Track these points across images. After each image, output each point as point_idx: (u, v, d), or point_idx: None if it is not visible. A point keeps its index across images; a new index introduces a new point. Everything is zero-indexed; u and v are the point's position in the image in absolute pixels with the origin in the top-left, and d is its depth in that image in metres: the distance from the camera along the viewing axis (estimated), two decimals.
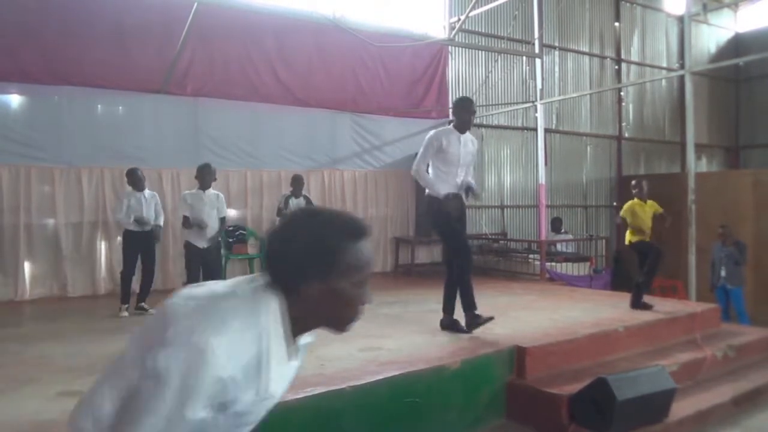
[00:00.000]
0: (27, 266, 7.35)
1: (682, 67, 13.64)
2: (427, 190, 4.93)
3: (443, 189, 4.75)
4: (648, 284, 6.09)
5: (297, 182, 7.91)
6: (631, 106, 14.17)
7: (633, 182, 6.39)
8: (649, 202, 6.24)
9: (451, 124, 5.01)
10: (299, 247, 1.32)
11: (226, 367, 1.23)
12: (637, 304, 5.95)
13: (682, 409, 4.27)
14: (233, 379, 1.25)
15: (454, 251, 4.95)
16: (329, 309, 1.38)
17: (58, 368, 4.08)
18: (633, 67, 14.10)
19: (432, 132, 4.93)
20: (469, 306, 4.86)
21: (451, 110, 5.10)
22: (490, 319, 4.82)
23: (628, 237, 6.23)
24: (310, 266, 1.31)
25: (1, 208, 7.18)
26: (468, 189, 4.95)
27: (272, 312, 1.32)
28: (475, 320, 4.82)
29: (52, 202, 7.46)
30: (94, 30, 7.52)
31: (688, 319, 5.74)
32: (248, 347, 1.28)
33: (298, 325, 1.38)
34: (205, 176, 5.48)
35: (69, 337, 5.11)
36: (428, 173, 4.88)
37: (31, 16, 7.17)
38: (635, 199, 6.23)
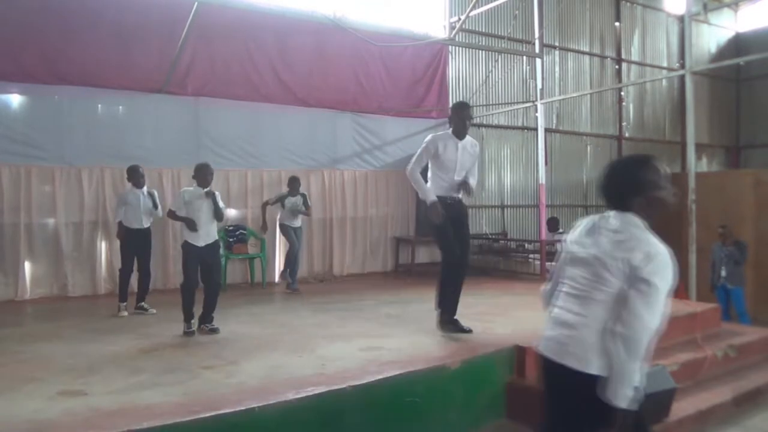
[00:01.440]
0: (27, 266, 7.36)
1: (682, 66, 13.64)
2: None
3: (433, 195, 4.72)
4: None
5: (293, 183, 7.99)
6: (631, 106, 14.17)
7: None
8: None
9: (450, 129, 4.95)
10: (622, 182, 2.22)
11: None
12: None
13: (682, 408, 4.27)
14: None
15: (443, 251, 4.95)
16: (654, 209, 2.20)
17: (58, 368, 4.08)
18: (633, 67, 14.10)
19: (430, 136, 4.89)
20: (440, 304, 4.88)
21: (448, 116, 5.04)
22: (469, 331, 4.82)
23: None
24: (631, 190, 2.17)
25: (2, 207, 7.18)
26: (463, 184, 4.85)
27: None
28: (450, 325, 4.83)
29: (53, 201, 7.46)
30: (94, 30, 7.52)
31: (689, 319, 5.73)
32: None
33: (649, 220, 2.20)
34: (205, 175, 5.44)
35: (69, 337, 5.11)
36: (426, 175, 4.87)
37: (32, 16, 7.17)
38: None
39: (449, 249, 4.81)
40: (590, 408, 2.08)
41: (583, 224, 2.33)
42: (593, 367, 2.09)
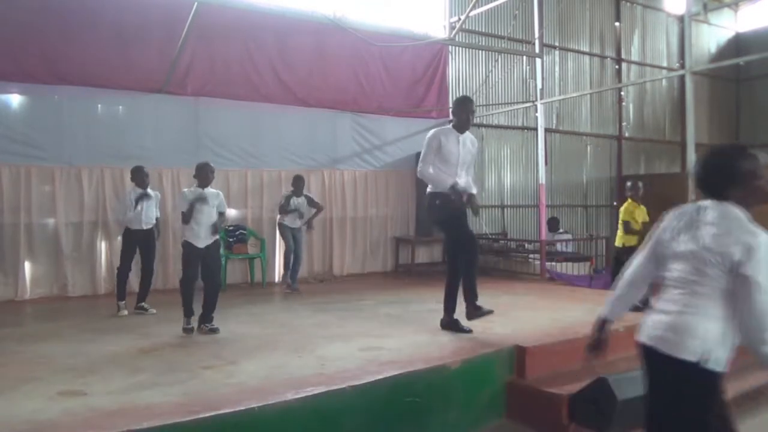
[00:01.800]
0: (27, 266, 7.36)
1: (682, 66, 13.64)
2: (428, 188, 4.94)
3: (449, 179, 4.76)
4: None
5: (298, 182, 7.97)
6: (631, 106, 14.17)
7: (628, 183, 6.34)
8: (642, 206, 6.18)
9: (451, 123, 5.01)
10: (720, 171, 2.17)
11: None
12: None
13: None
14: None
15: (461, 243, 4.95)
16: (754, 199, 2.16)
17: (58, 368, 4.08)
18: (633, 67, 14.10)
19: (431, 131, 4.94)
20: (472, 297, 4.87)
21: (450, 110, 5.09)
22: (490, 312, 4.83)
23: (621, 239, 6.17)
24: (729, 179, 2.14)
25: (2, 207, 7.18)
26: (469, 197, 4.95)
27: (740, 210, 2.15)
28: (476, 311, 4.83)
29: (53, 201, 7.46)
30: (94, 30, 7.52)
31: None
32: None
33: (748, 210, 2.17)
34: (206, 174, 5.44)
35: (69, 337, 5.11)
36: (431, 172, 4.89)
37: (32, 16, 7.16)
38: (630, 201, 6.18)
39: (469, 233, 4.92)
40: (683, 394, 2.14)
41: (677, 217, 2.29)
42: (685, 352, 2.11)
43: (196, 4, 7.22)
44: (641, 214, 6.14)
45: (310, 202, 8.02)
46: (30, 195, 7.33)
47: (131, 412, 3.11)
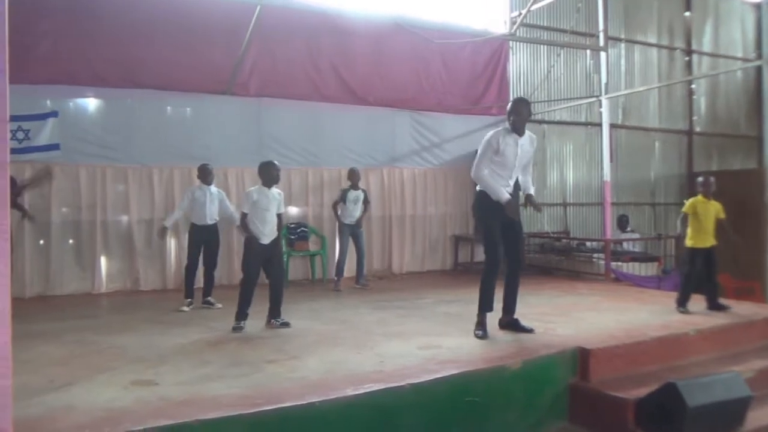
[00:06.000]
0: (103, 261, 7.75)
1: (759, 56, 12.94)
2: (478, 186, 4.88)
3: (505, 193, 4.70)
4: (713, 292, 5.83)
5: (353, 175, 7.98)
6: (702, 99, 13.53)
7: (699, 179, 6.04)
8: (713, 202, 5.87)
9: (508, 124, 4.88)
10: None
11: None
12: (713, 306, 5.73)
13: (758, 418, 4.06)
14: None
15: (486, 250, 4.93)
16: None
17: (131, 358, 4.27)
18: (705, 59, 13.46)
19: (489, 133, 4.85)
20: (483, 308, 4.86)
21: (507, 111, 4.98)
22: (482, 335, 4.74)
23: (688, 239, 5.91)
24: None
25: (80, 205, 7.60)
26: (527, 198, 4.96)
27: None
28: (479, 322, 4.82)
29: (126, 200, 7.84)
30: (163, 34, 7.81)
31: (766, 324, 5.45)
32: None
33: None
34: (270, 173, 5.51)
35: (141, 329, 5.35)
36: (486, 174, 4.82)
37: (105, 23, 7.52)
38: (699, 197, 5.89)
39: (494, 254, 4.84)
40: None
41: None
42: None
43: (259, 6, 7.40)
44: (712, 211, 5.84)
45: (366, 198, 8.02)
46: (105, 194, 7.73)
47: (199, 403, 3.23)
